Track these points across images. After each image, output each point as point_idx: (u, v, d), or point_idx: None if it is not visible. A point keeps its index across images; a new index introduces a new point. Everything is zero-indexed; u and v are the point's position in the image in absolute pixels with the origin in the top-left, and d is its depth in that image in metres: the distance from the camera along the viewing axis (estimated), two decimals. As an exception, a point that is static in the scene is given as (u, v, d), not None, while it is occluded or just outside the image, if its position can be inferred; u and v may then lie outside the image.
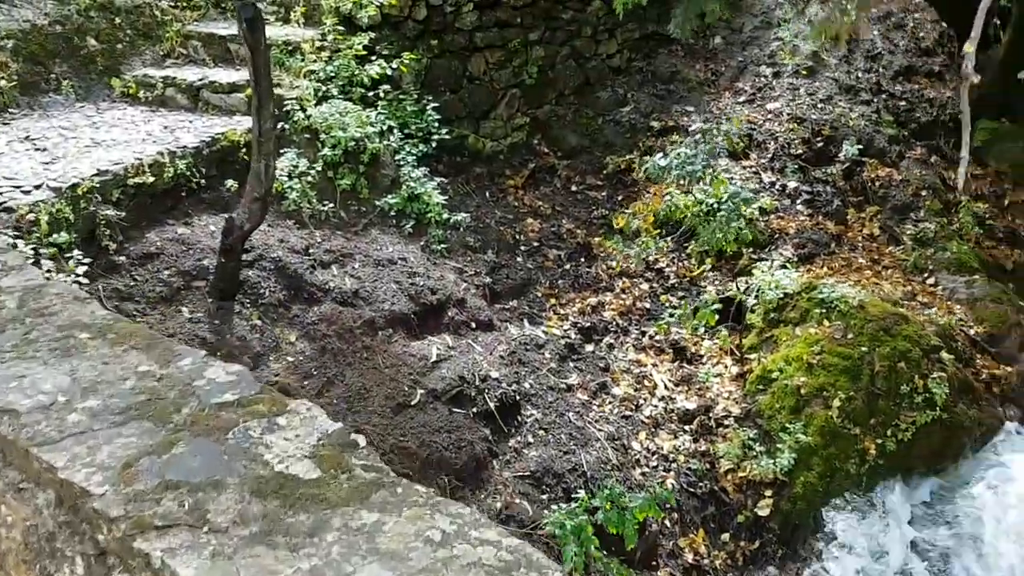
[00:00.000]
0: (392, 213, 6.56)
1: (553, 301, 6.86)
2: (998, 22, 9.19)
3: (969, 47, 2.78)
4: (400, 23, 7.42)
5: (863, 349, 5.71)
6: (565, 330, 6.58)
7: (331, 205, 6.16)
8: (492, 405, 5.25)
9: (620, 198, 7.86)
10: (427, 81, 7.56)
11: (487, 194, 7.71)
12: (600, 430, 5.78)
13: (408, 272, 6.04)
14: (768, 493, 5.46)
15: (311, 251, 5.73)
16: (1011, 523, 5.19)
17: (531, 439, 5.35)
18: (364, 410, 4.87)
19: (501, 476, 5.03)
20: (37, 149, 5.21)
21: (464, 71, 7.91)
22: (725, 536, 5.38)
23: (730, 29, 9.45)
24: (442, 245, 6.60)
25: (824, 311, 6.08)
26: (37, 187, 4.65)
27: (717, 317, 5.84)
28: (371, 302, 5.63)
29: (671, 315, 6.09)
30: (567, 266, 7.20)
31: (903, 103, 8.70)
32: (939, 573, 5.09)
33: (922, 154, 8.30)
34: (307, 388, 4.82)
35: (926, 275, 7.10)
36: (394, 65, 6.89)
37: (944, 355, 5.82)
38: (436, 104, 7.23)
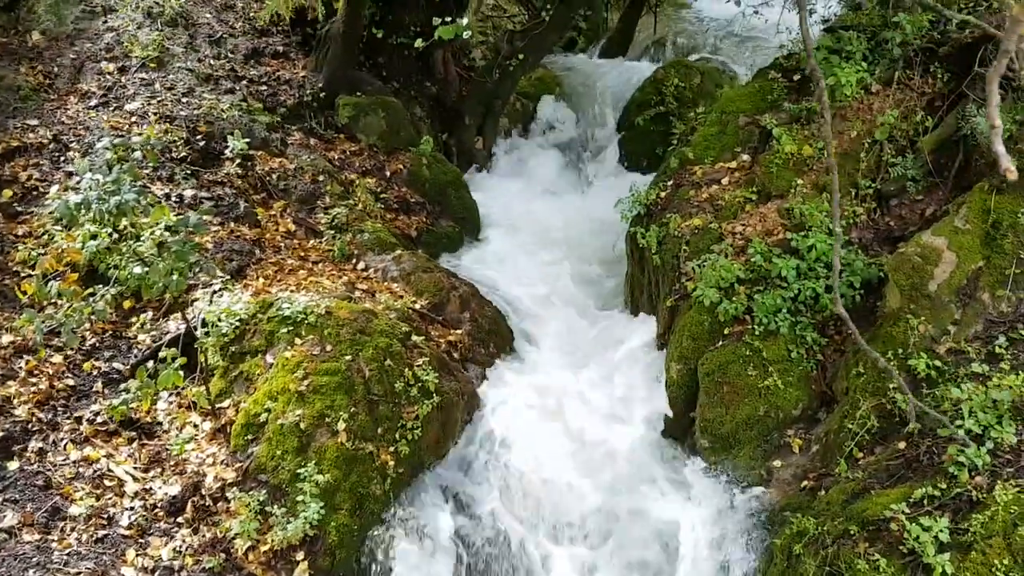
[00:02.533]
0: None
1: (-71, 422, 4.80)
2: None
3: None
4: None
5: (347, 358, 5.31)
6: (-35, 456, 4.67)
7: None
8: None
9: (-31, 254, 5.86)
10: None
11: None
12: (76, 572, 4.28)
13: None
14: (300, 556, 4.76)
15: None
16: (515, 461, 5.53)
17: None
18: None
19: None
20: None
21: None
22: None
23: (50, 22, 7.74)
24: None
25: (292, 328, 5.48)
26: None
27: (183, 374, 4.76)
28: None
29: (126, 391, 4.74)
30: (-71, 366, 5.10)
31: (264, 88, 8.36)
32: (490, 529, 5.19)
33: (301, 138, 8.13)
34: None
35: (355, 261, 7.02)
36: None
37: (416, 338, 5.81)
38: None
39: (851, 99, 5.83)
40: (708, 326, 5.58)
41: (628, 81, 11.08)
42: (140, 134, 6.80)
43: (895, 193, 5.84)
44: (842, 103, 5.82)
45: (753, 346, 5.34)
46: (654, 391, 6.19)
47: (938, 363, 4.81)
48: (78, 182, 5.96)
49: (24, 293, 5.00)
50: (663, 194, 6.67)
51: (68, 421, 5.18)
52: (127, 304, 5.89)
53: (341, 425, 5.08)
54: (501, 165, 10.31)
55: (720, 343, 5.49)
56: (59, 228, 6.00)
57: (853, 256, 5.43)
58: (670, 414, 5.86)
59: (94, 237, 5.01)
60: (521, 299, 7.47)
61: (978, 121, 5.47)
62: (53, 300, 4.70)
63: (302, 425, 5.05)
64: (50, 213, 4.97)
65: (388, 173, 8.46)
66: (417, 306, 6.56)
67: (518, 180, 10.05)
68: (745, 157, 6.29)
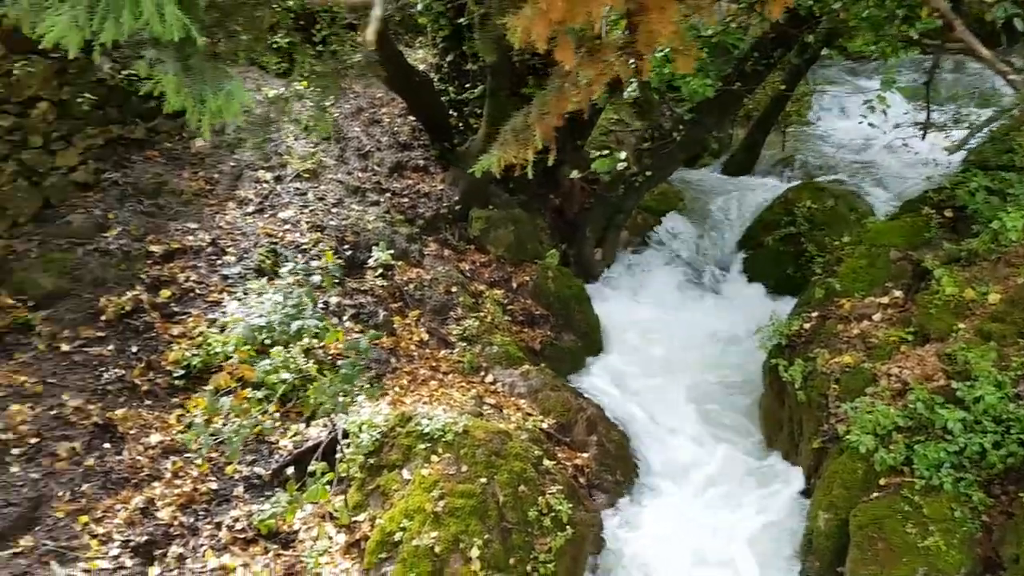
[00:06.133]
0: None
1: (84, 519, 4.97)
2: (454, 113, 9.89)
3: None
4: None
5: (483, 480, 5.26)
6: (115, 557, 4.81)
7: None
8: None
9: (135, 350, 6.15)
10: None
11: (-67, 382, 5.31)
12: None
13: None
14: None
15: None
16: None
17: None
18: None
19: None
20: None
21: None
22: None
23: (211, 130, 8.30)
24: None
25: (429, 444, 5.49)
26: None
27: (330, 488, 4.80)
28: None
29: (275, 504, 4.80)
30: (89, 460, 5.32)
31: (406, 200, 8.69)
32: None
33: (436, 249, 8.36)
34: None
35: (483, 373, 7.05)
36: None
37: (548, 463, 5.72)
38: None
39: (1018, 244, 5.58)
40: (862, 475, 5.28)
41: (754, 199, 11.01)
42: (300, 245, 7.13)
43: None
44: (1007, 248, 5.58)
45: (912, 501, 5.01)
46: (792, 537, 5.88)
47: None
48: (241, 290, 6.27)
49: (195, 406, 5.18)
50: (807, 326, 6.49)
51: (208, 526, 5.27)
52: (271, 408, 6.05)
53: (475, 552, 4.99)
54: (621, 279, 10.30)
55: (875, 494, 5.17)
56: (214, 331, 6.27)
57: (1024, 411, 5.09)
58: (814, 564, 5.53)
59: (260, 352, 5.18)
60: (644, 424, 7.29)
61: None
62: (220, 413, 4.86)
63: (436, 549, 4.98)
64: (226, 331, 5.17)
65: (515, 285, 8.56)
66: (544, 425, 6.50)
67: (638, 295, 10.00)
68: (898, 293, 6.07)
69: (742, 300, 9.51)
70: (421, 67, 9.97)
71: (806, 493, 6.01)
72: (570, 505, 5.42)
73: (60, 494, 5.01)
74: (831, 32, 9.25)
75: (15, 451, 5.10)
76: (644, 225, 11.12)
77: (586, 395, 7.28)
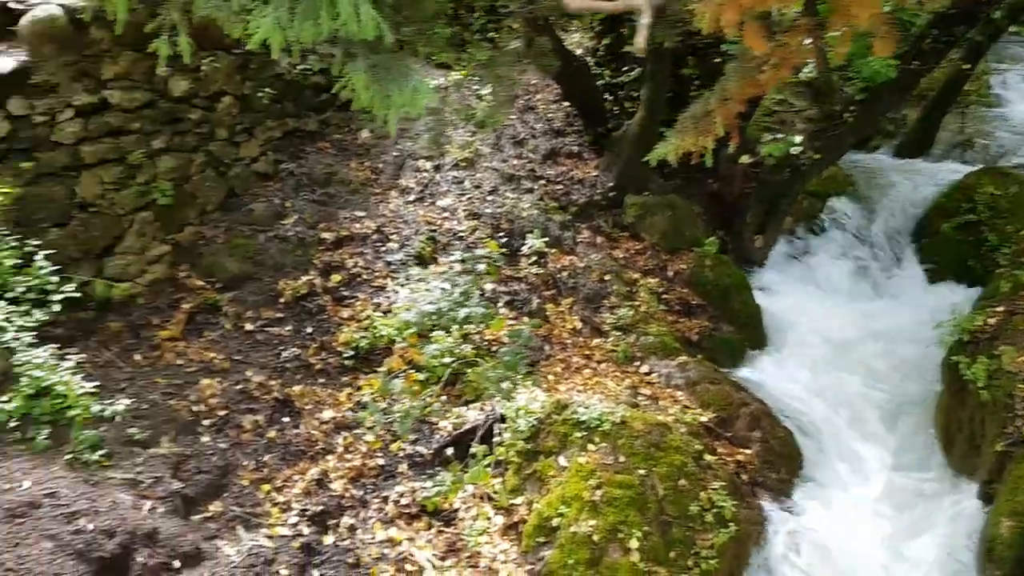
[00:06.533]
0: (12, 423, 4.48)
1: (266, 488, 5.32)
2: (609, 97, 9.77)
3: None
4: (-31, 144, 5.30)
5: (641, 472, 5.22)
6: (293, 525, 5.12)
7: (-88, 441, 3.95)
8: None
9: (310, 331, 6.52)
10: (21, 218, 5.51)
11: (136, 356, 5.84)
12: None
13: (64, 514, 4.12)
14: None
15: None
16: None
17: None
18: None
19: None
20: None
21: (72, 197, 5.96)
22: None
23: (376, 121, 8.63)
24: (98, 452, 4.69)
25: (586, 433, 5.50)
26: None
27: (491, 471, 4.91)
28: (21, 590, 3.63)
29: (438, 482, 4.96)
30: (271, 433, 5.69)
31: (559, 187, 8.70)
32: None
33: (589, 236, 8.33)
34: None
35: (638, 363, 6.98)
36: (-22, 207, 4.82)
37: (708, 457, 5.60)
38: (37, 244, 5.29)
39: None
40: (1055, 483, 4.84)
41: (929, 184, 10.25)
42: (457, 232, 7.31)
43: None
44: None
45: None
46: (968, 543, 5.48)
47: None
48: (403, 276, 6.51)
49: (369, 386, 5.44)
50: (991, 321, 6.01)
51: (376, 500, 5.52)
52: (423, 390, 6.23)
53: (634, 543, 4.96)
54: (784, 267, 9.86)
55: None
56: (379, 315, 6.54)
57: None
58: (993, 572, 5.13)
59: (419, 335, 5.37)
60: (811, 421, 6.97)
61: None
62: (392, 395, 5.07)
63: (595, 537, 4.99)
64: (398, 316, 5.38)
65: (670, 273, 8.40)
66: (704, 419, 6.35)
67: (801, 284, 9.54)
68: (1100, 289, 5.49)
69: (916, 292, 8.90)
70: (577, 52, 9.92)
71: (987, 498, 5.57)
72: (734, 502, 5.29)
73: (245, 463, 5.40)
74: (1017, 7, 8.47)
75: (205, 422, 5.53)
76: (810, 210, 10.55)
77: (748, 389, 7.06)
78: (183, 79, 6.55)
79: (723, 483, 5.37)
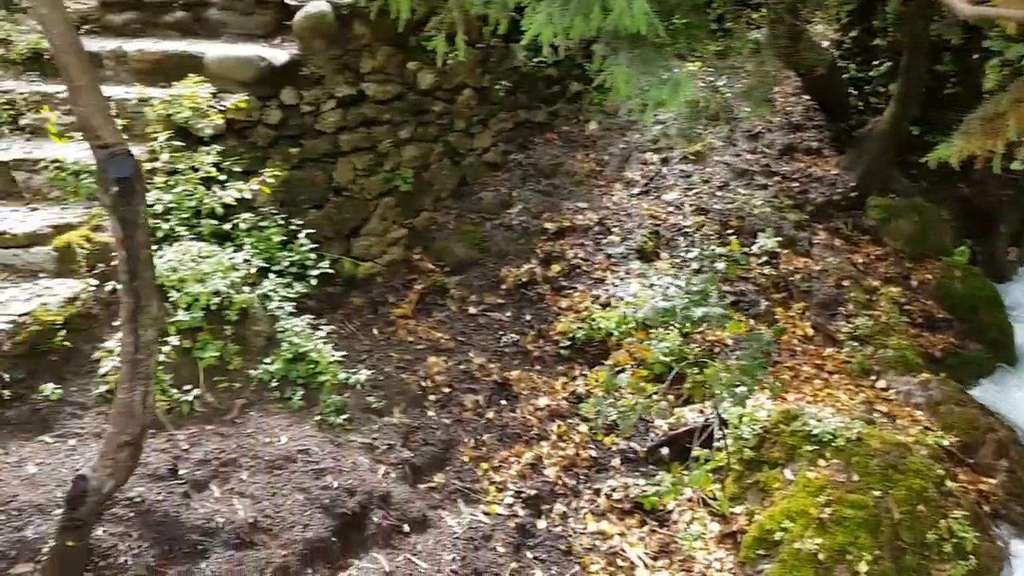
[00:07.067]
0: (273, 383, 4.96)
1: (484, 466, 5.50)
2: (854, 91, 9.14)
3: None
4: (248, 130, 5.90)
5: (876, 493, 4.85)
6: (509, 505, 5.24)
7: (194, 390, 4.47)
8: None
9: (528, 318, 6.68)
10: (287, 199, 6.06)
11: (374, 331, 6.25)
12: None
13: (314, 471, 4.48)
14: None
15: (179, 469, 4.02)
16: None
17: None
18: None
19: None
20: None
21: (329, 181, 6.46)
22: None
23: (604, 113, 8.67)
24: (342, 416, 5.07)
25: (817, 447, 5.19)
26: None
27: (712, 477, 4.77)
28: (276, 533, 4.01)
29: (657, 482, 4.91)
30: (489, 414, 5.87)
31: (795, 184, 8.27)
32: None
33: (826, 238, 7.85)
34: None
35: (874, 378, 6.49)
36: (254, 185, 5.35)
37: (950, 484, 5.11)
38: (300, 224, 5.78)
39: None
40: None
41: None
42: (682, 228, 7.17)
43: None
44: None
45: None
46: None
47: None
48: (623, 270, 6.47)
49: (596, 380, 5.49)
50: None
51: (588, 491, 5.54)
52: (649, 388, 6.16)
53: (863, 567, 4.62)
54: (1039, 282, 8.77)
55: None
56: (597, 307, 6.56)
57: None
58: None
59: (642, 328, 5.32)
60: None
61: None
62: (618, 389, 5.09)
63: (820, 556, 4.71)
64: (619, 310, 5.35)
65: (914, 283, 7.73)
66: (945, 443, 5.81)
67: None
68: None
69: None
70: (823, 44, 9.37)
71: None
72: (975, 533, 4.79)
73: (466, 440, 5.60)
74: None
75: (432, 398, 5.81)
76: (1078, 222, 9.34)
77: (996, 414, 6.37)
78: (430, 73, 6.90)
79: (965, 512, 4.88)
